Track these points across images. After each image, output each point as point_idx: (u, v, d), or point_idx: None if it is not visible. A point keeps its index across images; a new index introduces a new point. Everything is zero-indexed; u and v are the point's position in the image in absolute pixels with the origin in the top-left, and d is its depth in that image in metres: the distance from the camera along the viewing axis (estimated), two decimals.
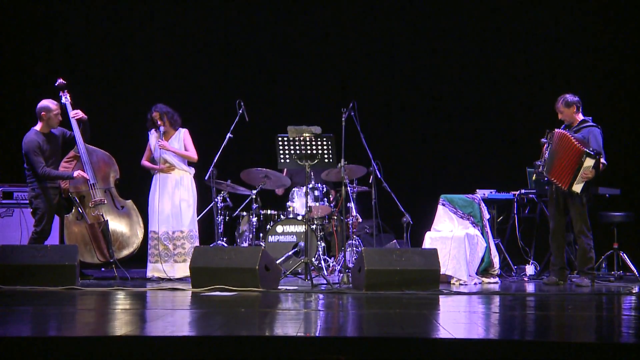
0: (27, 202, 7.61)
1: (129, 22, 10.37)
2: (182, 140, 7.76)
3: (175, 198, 7.64)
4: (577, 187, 7.04)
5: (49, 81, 7.85)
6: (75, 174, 7.44)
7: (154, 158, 7.74)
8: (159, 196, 7.61)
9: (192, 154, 7.74)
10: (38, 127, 7.44)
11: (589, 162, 6.96)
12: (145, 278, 7.64)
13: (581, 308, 5.66)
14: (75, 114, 7.58)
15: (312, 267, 7.24)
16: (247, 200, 8.52)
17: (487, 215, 7.94)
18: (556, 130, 7.27)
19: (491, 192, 8.28)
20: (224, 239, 8.33)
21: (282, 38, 10.53)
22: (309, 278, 6.92)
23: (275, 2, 10.56)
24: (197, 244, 7.65)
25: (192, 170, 7.82)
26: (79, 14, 10.35)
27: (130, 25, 10.38)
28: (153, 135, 7.76)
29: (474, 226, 7.78)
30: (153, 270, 7.57)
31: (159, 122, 7.68)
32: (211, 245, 7.95)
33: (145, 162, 7.85)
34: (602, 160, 7.08)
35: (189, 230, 7.64)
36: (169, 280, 7.39)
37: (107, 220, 7.57)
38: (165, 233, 7.57)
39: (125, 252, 7.72)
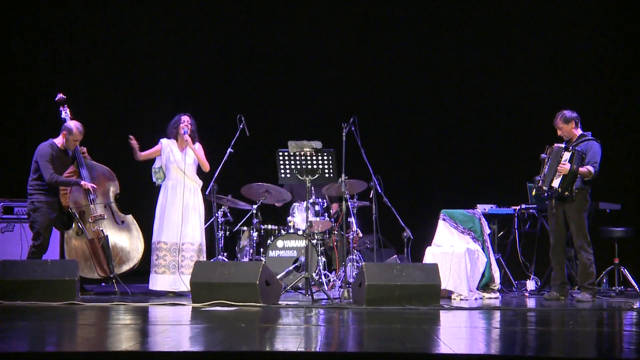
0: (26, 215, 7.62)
1: (129, 37, 10.39)
2: (197, 152, 7.73)
3: (185, 209, 7.58)
4: (555, 182, 7.18)
5: (49, 96, 7.88)
6: (82, 182, 7.47)
7: (167, 166, 7.68)
8: (169, 206, 7.60)
9: (206, 162, 7.74)
10: (56, 140, 7.52)
11: (565, 156, 7.14)
12: (147, 292, 7.63)
13: (582, 323, 5.66)
14: None
15: (313, 282, 7.23)
16: (248, 215, 8.52)
17: (487, 230, 7.94)
18: (555, 145, 7.31)
19: (492, 207, 8.29)
20: (225, 254, 8.32)
21: (282, 53, 10.56)
22: (309, 293, 6.91)
23: (275, 16, 10.60)
24: (204, 257, 7.59)
25: (201, 183, 7.81)
26: (80, 25, 10.35)
27: (131, 40, 10.40)
28: (168, 144, 7.69)
29: (474, 241, 7.77)
30: (157, 281, 7.52)
31: (188, 127, 7.65)
32: (212, 260, 7.94)
33: (142, 153, 7.72)
34: (589, 167, 7.12)
35: (200, 243, 7.61)
36: (174, 294, 7.38)
37: (107, 236, 7.57)
38: (174, 244, 7.55)
39: (126, 267, 7.68)
